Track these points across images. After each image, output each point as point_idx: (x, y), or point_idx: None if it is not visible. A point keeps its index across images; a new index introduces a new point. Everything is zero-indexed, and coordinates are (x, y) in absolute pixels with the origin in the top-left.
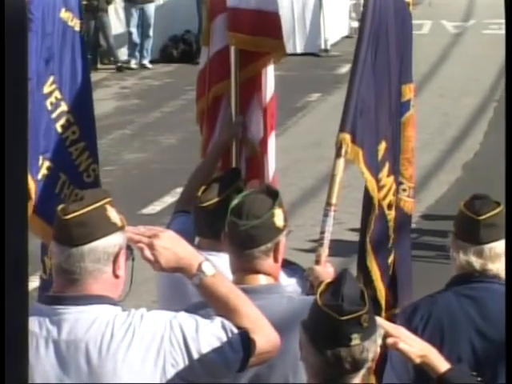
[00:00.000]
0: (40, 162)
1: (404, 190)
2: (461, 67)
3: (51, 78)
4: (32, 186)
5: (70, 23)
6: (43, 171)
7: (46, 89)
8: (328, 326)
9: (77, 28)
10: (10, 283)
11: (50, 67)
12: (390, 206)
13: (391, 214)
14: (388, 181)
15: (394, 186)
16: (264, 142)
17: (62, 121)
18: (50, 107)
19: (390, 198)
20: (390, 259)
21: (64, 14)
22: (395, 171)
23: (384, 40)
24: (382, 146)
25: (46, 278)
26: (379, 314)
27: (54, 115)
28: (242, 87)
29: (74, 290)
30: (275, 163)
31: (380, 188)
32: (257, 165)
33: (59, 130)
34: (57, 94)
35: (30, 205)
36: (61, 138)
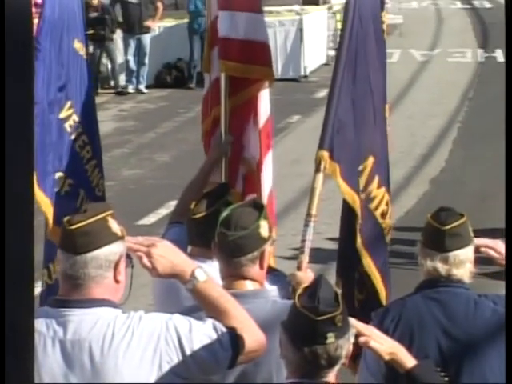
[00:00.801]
0: (62, 179)
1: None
2: (427, 92)
3: (68, 103)
4: (46, 202)
5: (80, 52)
6: (65, 188)
7: (64, 113)
8: (305, 326)
9: (85, 56)
10: (16, 288)
11: (66, 93)
12: (383, 215)
13: (386, 223)
14: (379, 192)
15: (386, 197)
16: (261, 161)
17: (80, 141)
18: (69, 129)
19: (383, 207)
20: (387, 262)
21: (77, 45)
22: (387, 183)
23: (363, 65)
24: (370, 161)
25: (50, 283)
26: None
27: (72, 137)
28: (238, 110)
29: (79, 294)
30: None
31: (371, 200)
32: (253, 181)
33: (78, 149)
34: (74, 117)
35: (49, 218)
36: (79, 157)
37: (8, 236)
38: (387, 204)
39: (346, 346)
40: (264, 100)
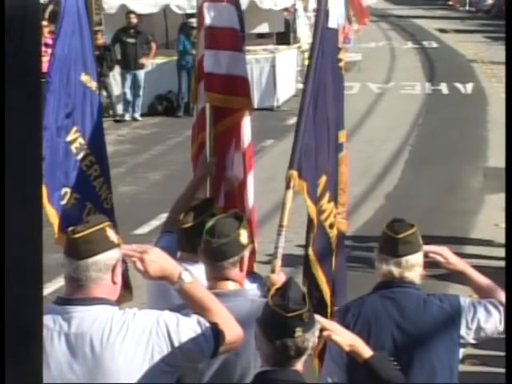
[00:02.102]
0: (68, 194)
1: (339, 213)
2: (383, 119)
3: (74, 128)
4: (53, 213)
5: (88, 84)
6: (72, 201)
7: (70, 137)
8: (277, 322)
9: (94, 88)
10: (27, 288)
11: (72, 120)
12: (331, 226)
13: (333, 233)
14: (329, 206)
15: (334, 210)
16: (244, 179)
17: (86, 161)
18: (74, 151)
19: (331, 219)
20: (333, 267)
21: (84, 77)
22: (335, 198)
23: (323, 97)
24: (323, 179)
25: None
26: (326, 310)
27: (78, 157)
28: (222, 135)
29: (81, 293)
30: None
31: (322, 212)
32: (233, 197)
33: (84, 168)
34: (80, 140)
35: (55, 227)
36: (86, 175)
37: (20, 243)
38: (334, 216)
39: (312, 339)
40: (246, 127)
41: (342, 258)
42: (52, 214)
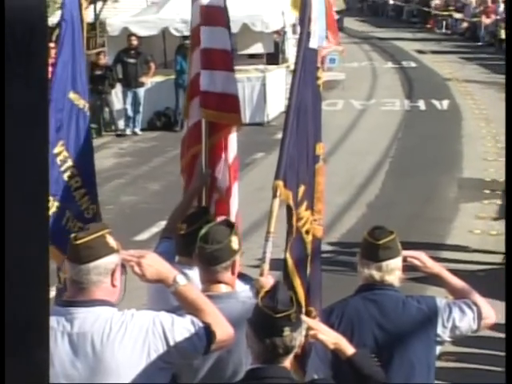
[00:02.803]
0: (51, 202)
1: (315, 220)
2: (365, 134)
3: (60, 142)
4: None
5: (76, 102)
6: (53, 209)
7: (57, 149)
8: (266, 322)
9: (81, 106)
10: (35, 291)
11: (59, 134)
12: (307, 232)
13: (309, 238)
14: (306, 214)
15: (310, 218)
16: (229, 190)
17: (68, 173)
18: (59, 163)
19: (308, 226)
20: (308, 271)
21: (72, 95)
22: (311, 206)
23: (304, 112)
24: (302, 189)
25: (61, 287)
26: (300, 311)
27: (62, 168)
28: (213, 149)
29: (82, 296)
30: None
31: (299, 219)
32: (223, 206)
33: (66, 179)
34: (65, 153)
35: None
36: (67, 185)
37: (27, 246)
38: (311, 223)
39: (299, 338)
40: (232, 142)
41: (317, 262)
42: None
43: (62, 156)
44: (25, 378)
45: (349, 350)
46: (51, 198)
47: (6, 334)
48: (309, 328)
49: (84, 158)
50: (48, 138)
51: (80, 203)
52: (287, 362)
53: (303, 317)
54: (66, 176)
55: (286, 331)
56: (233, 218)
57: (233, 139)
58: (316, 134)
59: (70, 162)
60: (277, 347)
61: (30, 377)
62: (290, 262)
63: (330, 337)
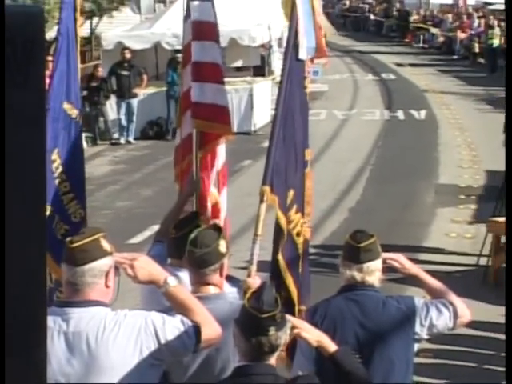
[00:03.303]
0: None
1: (304, 222)
2: (347, 142)
3: (56, 150)
4: None
5: (69, 112)
6: (47, 212)
7: (53, 156)
8: (253, 322)
9: (74, 116)
10: (32, 292)
11: (55, 142)
12: (298, 234)
13: (299, 240)
14: (296, 216)
15: (300, 220)
16: (219, 194)
17: (59, 178)
18: (54, 169)
19: (298, 228)
20: (300, 270)
21: (66, 105)
22: (302, 210)
23: (291, 120)
24: (291, 193)
25: (52, 287)
26: (293, 308)
27: (55, 174)
28: (205, 158)
29: (78, 296)
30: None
31: (290, 222)
32: (217, 210)
33: (56, 183)
34: (58, 160)
35: None
36: (57, 190)
37: (25, 247)
38: (301, 226)
39: (283, 337)
40: (221, 150)
41: (306, 262)
42: None
43: (56, 163)
44: (23, 377)
45: (331, 347)
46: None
47: (4, 335)
48: (293, 327)
49: (74, 165)
50: (45, 143)
51: (67, 207)
52: (273, 360)
53: (288, 316)
54: (56, 181)
55: (272, 331)
56: (222, 222)
57: (221, 147)
58: (304, 141)
59: (60, 168)
60: (263, 346)
61: (28, 377)
62: (281, 262)
63: (313, 335)
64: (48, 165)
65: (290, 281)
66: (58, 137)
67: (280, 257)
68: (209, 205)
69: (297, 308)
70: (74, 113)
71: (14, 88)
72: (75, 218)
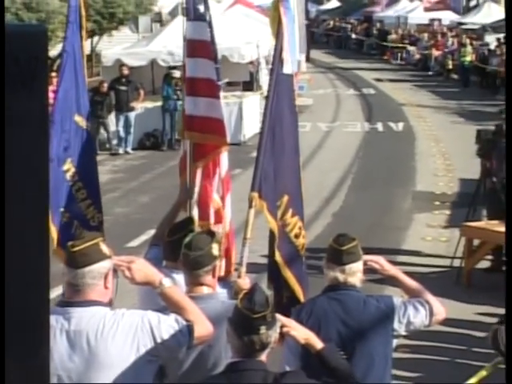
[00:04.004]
0: (62, 213)
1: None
2: (330, 152)
3: (69, 160)
4: (54, 229)
5: (80, 124)
6: (64, 219)
7: (65, 166)
8: (245, 321)
9: (85, 127)
10: (36, 292)
11: (68, 152)
12: (296, 236)
13: (298, 241)
14: (293, 220)
15: (298, 223)
16: (223, 200)
17: (76, 186)
18: (68, 178)
19: (296, 231)
20: (303, 269)
21: (77, 118)
22: (300, 213)
23: (279, 131)
24: (285, 198)
25: None
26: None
27: (71, 183)
28: (207, 166)
29: (78, 297)
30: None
31: (286, 225)
32: (219, 215)
33: (73, 192)
34: (73, 169)
35: (54, 241)
36: (75, 198)
37: (29, 251)
38: (299, 228)
39: (274, 335)
40: (224, 159)
41: (304, 263)
42: (52, 231)
43: (70, 172)
44: (26, 376)
45: (318, 344)
46: (62, 210)
47: (8, 334)
48: (282, 325)
49: (88, 173)
50: (48, 153)
51: (85, 213)
52: (263, 356)
53: (277, 315)
54: (74, 189)
55: (263, 329)
56: (227, 226)
57: (224, 157)
58: (296, 149)
59: (76, 177)
60: (254, 343)
61: (32, 376)
62: (281, 263)
63: (301, 333)
64: (61, 174)
65: (292, 281)
66: (70, 147)
67: (278, 257)
68: (211, 211)
69: (302, 300)
70: (85, 124)
71: (19, 101)
72: (93, 222)
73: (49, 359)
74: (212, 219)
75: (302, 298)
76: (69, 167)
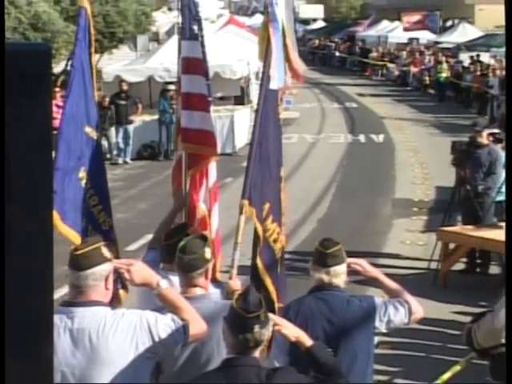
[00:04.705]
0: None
1: (280, 231)
2: (316, 162)
3: (82, 168)
4: (76, 235)
5: (90, 134)
6: (83, 224)
7: (80, 174)
8: (240, 320)
9: (95, 137)
10: (40, 293)
11: (81, 161)
12: (275, 241)
13: (277, 246)
14: (272, 226)
15: (277, 229)
16: (210, 210)
17: (88, 194)
18: (83, 185)
19: (275, 236)
20: (278, 272)
21: (87, 129)
22: (279, 220)
23: (266, 142)
24: (267, 206)
25: None
26: (273, 306)
27: (85, 190)
28: (195, 176)
29: (81, 297)
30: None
31: (267, 231)
32: (205, 222)
33: (87, 198)
34: (86, 177)
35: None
36: (88, 204)
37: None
38: (277, 234)
39: (266, 334)
40: (213, 169)
41: (283, 266)
42: (72, 235)
43: (85, 180)
44: (30, 375)
45: (308, 342)
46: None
47: (13, 334)
48: (274, 324)
49: (99, 180)
50: (52, 162)
51: (97, 217)
52: (257, 353)
53: (270, 315)
54: (87, 196)
55: (256, 328)
56: (213, 234)
57: (213, 167)
58: (279, 160)
59: (88, 184)
60: (248, 341)
61: (36, 374)
62: (260, 265)
63: (292, 331)
64: (77, 182)
65: (268, 282)
66: (83, 157)
67: (258, 261)
68: (197, 218)
69: (276, 305)
70: (95, 135)
71: (24, 114)
72: (105, 227)
73: (52, 361)
74: (197, 226)
75: (275, 299)
76: (83, 175)
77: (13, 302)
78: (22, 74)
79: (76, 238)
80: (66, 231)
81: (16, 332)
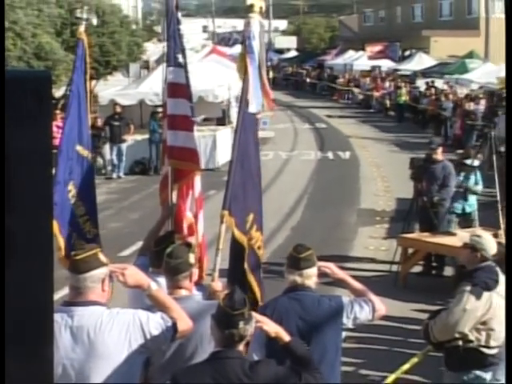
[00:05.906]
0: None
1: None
2: (289, 176)
3: (71, 182)
4: (61, 240)
5: (81, 152)
6: (68, 232)
7: (69, 187)
8: (226, 317)
9: (85, 155)
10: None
11: (71, 176)
12: (259, 248)
13: (260, 252)
14: (256, 234)
15: (260, 237)
16: (196, 217)
17: (76, 204)
18: (71, 198)
19: (259, 243)
20: (261, 275)
21: (78, 147)
22: (261, 229)
23: (247, 159)
24: (251, 216)
25: None
26: (257, 306)
27: (72, 202)
28: (182, 188)
29: (80, 298)
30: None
31: (252, 239)
32: (192, 229)
33: (74, 208)
34: (74, 191)
35: (62, 251)
36: (75, 214)
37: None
38: (261, 241)
39: (250, 329)
40: (197, 182)
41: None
42: (60, 241)
43: (72, 192)
44: (30, 375)
45: (286, 337)
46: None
47: (13, 334)
48: (256, 321)
49: (87, 193)
50: (52, 177)
51: (83, 226)
52: (241, 347)
53: (253, 313)
54: (74, 207)
55: (241, 324)
56: (200, 238)
57: (197, 180)
58: (259, 174)
59: (76, 197)
60: (233, 336)
61: (36, 374)
62: (247, 270)
63: (272, 327)
64: (65, 194)
65: (254, 284)
66: (73, 172)
67: (246, 266)
68: (184, 226)
69: (260, 304)
70: (86, 153)
71: (27, 135)
72: (89, 235)
73: (52, 360)
74: (185, 232)
75: (260, 299)
76: (71, 188)
77: (13, 302)
78: (24, 98)
79: (61, 242)
80: (60, 241)
81: (16, 332)
